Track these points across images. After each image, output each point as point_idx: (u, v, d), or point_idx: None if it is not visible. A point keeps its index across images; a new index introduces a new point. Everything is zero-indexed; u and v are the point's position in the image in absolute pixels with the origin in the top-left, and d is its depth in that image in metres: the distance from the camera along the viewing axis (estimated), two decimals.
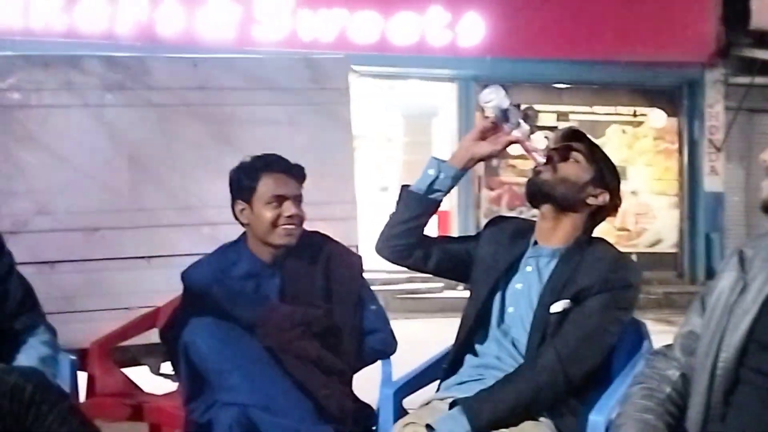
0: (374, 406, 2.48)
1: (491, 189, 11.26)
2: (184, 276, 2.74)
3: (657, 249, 11.57)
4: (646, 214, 11.56)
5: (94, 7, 9.80)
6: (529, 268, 2.23)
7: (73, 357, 2.73)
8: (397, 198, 2.37)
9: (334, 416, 2.36)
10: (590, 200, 2.24)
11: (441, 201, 2.34)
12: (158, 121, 5.12)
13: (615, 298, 2.14)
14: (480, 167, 10.99)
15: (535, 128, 11.32)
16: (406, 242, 2.34)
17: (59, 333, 4.51)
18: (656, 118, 11.50)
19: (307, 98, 5.24)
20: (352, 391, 2.59)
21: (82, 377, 3.06)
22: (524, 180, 7.76)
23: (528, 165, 10.16)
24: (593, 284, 2.11)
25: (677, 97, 11.47)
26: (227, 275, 2.67)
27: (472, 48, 10.66)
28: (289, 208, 2.58)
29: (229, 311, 2.56)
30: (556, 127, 11.36)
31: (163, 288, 4.21)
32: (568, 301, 2.10)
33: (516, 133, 2.23)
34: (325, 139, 5.17)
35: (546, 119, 11.43)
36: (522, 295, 2.20)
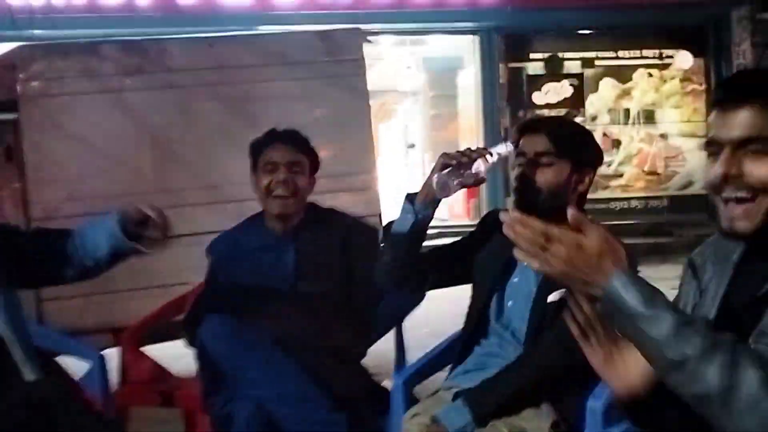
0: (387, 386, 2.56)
1: None
2: (208, 248, 2.84)
3: (688, 191, 11.43)
4: (676, 157, 11.41)
5: None
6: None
7: (101, 354, 2.83)
8: (383, 235, 2.35)
9: (348, 401, 2.45)
10: (579, 187, 2.23)
11: (426, 229, 2.29)
12: (178, 102, 5.20)
13: None
14: (506, 119, 10.95)
15: (560, 76, 11.21)
16: (406, 273, 2.34)
17: (97, 313, 4.73)
18: (683, 59, 11.26)
19: (322, 71, 5.28)
20: (366, 373, 2.67)
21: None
22: None
23: (559, 111, 10.07)
24: None
25: (703, 36, 11.18)
26: (245, 248, 2.73)
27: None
28: (279, 173, 2.60)
29: (243, 283, 2.65)
30: (581, 74, 11.24)
31: (194, 265, 4.35)
32: (564, 289, 2.13)
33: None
34: (341, 111, 5.22)
35: (571, 67, 11.28)
36: (520, 287, 2.24)
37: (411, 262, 2.32)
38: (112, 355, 3.10)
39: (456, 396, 2.14)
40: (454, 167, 2.11)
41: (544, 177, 2.17)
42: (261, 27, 9.77)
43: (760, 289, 1.38)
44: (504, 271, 2.27)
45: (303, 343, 2.53)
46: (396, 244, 2.28)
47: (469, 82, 11.58)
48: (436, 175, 2.12)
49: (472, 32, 11.06)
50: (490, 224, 2.40)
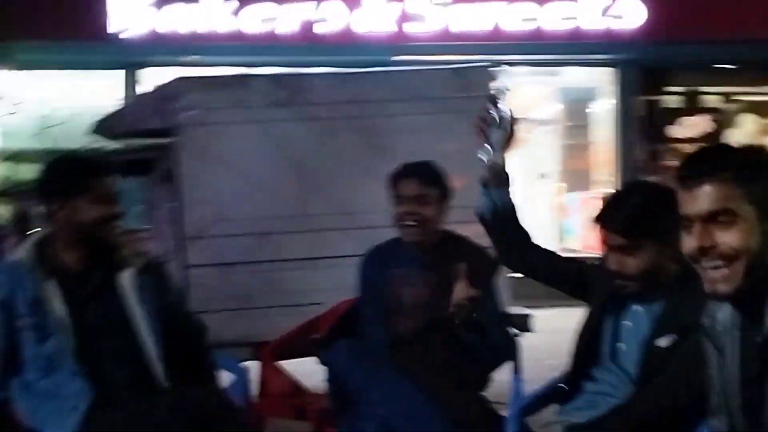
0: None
1: (654, 174, 10.98)
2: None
3: None
4: None
5: (260, 10, 10.44)
6: (636, 307, 2.38)
7: (244, 367, 3.08)
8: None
9: (464, 423, 2.61)
10: (668, 255, 2.25)
11: (513, 205, 2.55)
12: (319, 133, 5.54)
13: None
14: (641, 152, 10.80)
15: (698, 110, 10.95)
16: (512, 256, 2.61)
17: (238, 328, 5.09)
18: None
19: (453, 106, 5.48)
20: (484, 399, 2.84)
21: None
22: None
23: (690, 148, 9.89)
24: (695, 320, 2.22)
25: None
26: (389, 264, 2.99)
27: (630, 31, 10.42)
28: (406, 205, 2.86)
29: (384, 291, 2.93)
30: (720, 109, 10.93)
31: (330, 287, 4.64)
32: (673, 335, 2.23)
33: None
34: (471, 144, 5.38)
35: (712, 101, 10.99)
36: (632, 332, 2.35)
37: (511, 244, 2.58)
38: (252, 368, 3.36)
39: (567, 430, 2.28)
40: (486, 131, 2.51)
41: (635, 264, 2.26)
42: (397, 57, 10.10)
43: (760, 356, 1.49)
44: (616, 306, 2.39)
45: (426, 366, 2.72)
46: (488, 229, 2.57)
47: (602, 113, 11.50)
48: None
49: (609, 64, 10.98)
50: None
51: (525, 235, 2.62)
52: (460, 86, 5.62)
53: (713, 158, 1.53)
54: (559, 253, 2.91)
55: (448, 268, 2.83)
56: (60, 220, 2.34)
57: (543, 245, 2.69)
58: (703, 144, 10.71)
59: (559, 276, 2.65)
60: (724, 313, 1.64)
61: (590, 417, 2.27)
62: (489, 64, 6.13)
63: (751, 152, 1.56)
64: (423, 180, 2.93)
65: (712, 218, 1.48)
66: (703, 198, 1.48)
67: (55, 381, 2.30)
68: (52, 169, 2.44)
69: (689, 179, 1.50)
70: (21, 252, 2.41)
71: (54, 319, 2.30)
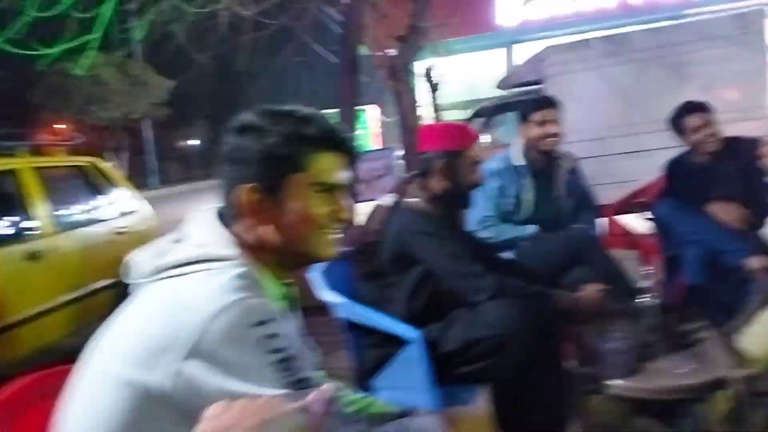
0: None
1: None
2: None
3: None
4: None
5: None
6: None
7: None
8: None
9: None
10: None
11: None
12: (638, 70, 7.65)
13: None
14: None
15: None
16: None
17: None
18: None
19: (734, 41, 7.18)
20: None
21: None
22: None
23: None
24: None
25: None
26: (690, 167, 3.38)
27: None
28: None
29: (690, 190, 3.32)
30: None
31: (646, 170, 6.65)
32: None
33: None
34: (746, 65, 7.17)
35: None
36: None
37: None
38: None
39: None
40: None
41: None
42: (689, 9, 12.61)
43: None
44: None
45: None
46: None
47: None
48: None
49: None
50: None
51: None
52: (737, 26, 7.20)
53: None
54: None
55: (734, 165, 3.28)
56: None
57: None
58: None
59: None
60: None
61: None
62: (761, 8, 7.61)
63: None
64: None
65: None
66: None
67: None
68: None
69: None
70: None
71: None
